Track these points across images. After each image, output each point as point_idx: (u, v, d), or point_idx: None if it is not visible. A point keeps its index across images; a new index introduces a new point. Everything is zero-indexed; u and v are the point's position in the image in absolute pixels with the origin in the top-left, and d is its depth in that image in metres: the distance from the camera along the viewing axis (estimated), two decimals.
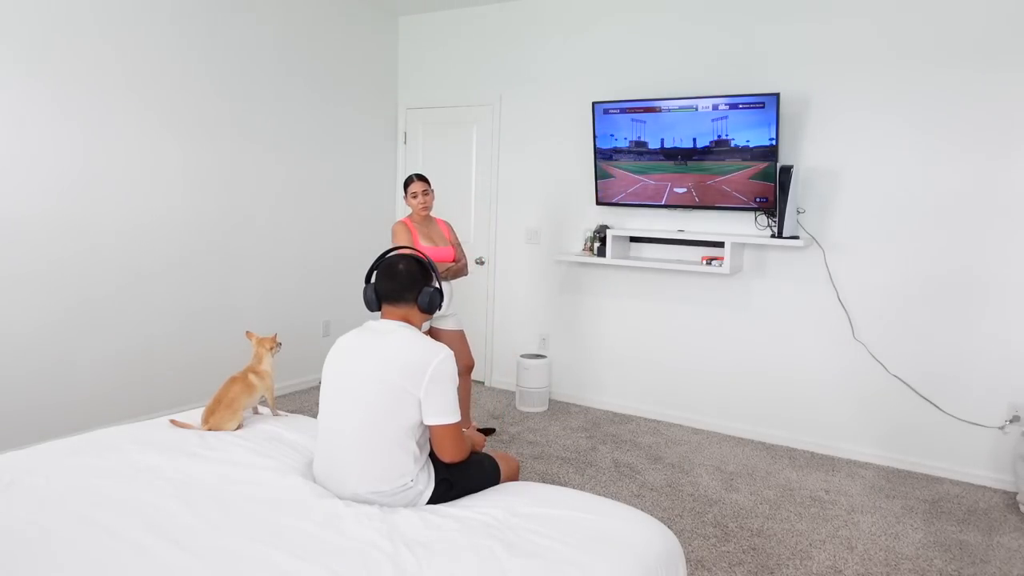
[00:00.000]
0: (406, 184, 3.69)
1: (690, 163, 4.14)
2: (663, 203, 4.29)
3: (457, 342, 3.76)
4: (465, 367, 3.76)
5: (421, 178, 3.69)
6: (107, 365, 3.84)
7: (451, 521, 1.87)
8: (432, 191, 3.72)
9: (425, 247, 3.60)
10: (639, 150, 4.27)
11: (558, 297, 4.91)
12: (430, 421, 2.00)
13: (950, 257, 3.67)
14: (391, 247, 3.52)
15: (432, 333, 3.75)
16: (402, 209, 5.49)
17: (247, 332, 2.74)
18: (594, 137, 4.42)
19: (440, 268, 3.62)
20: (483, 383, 5.30)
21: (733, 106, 3.93)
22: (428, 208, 3.70)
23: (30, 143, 3.43)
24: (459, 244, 3.84)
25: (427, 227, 3.74)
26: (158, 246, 4.03)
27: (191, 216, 4.18)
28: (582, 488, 3.41)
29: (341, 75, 5.04)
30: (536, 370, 4.64)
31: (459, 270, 3.75)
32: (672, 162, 4.19)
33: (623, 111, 4.28)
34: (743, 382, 4.28)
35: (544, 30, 4.81)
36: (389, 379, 1.97)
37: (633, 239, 4.56)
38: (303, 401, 4.71)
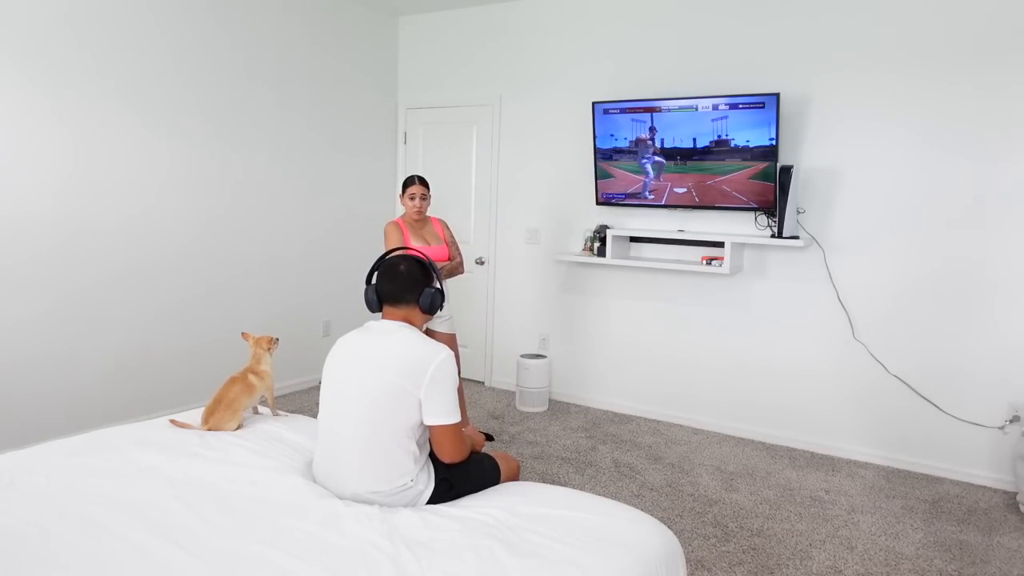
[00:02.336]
0: (405, 184, 3.66)
1: (690, 163, 4.14)
2: (663, 203, 4.29)
3: (448, 345, 3.75)
4: None
5: (422, 182, 3.65)
6: (107, 365, 3.84)
7: (451, 521, 1.87)
8: (429, 195, 3.70)
9: (417, 247, 3.57)
10: (639, 150, 4.27)
11: (558, 297, 4.91)
12: (430, 421, 2.00)
13: (950, 257, 3.67)
14: (387, 248, 3.54)
15: (426, 334, 3.74)
16: (403, 209, 5.49)
17: (243, 333, 2.74)
18: (594, 137, 4.42)
19: None
20: (483, 383, 5.30)
21: (733, 106, 3.93)
22: (422, 212, 3.68)
23: (29, 143, 3.43)
24: (454, 242, 3.81)
25: (420, 227, 3.72)
26: (158, 247, 4.03)
27: (191, 217, 4.18)
28: (582, 488, 3.41)
29: (341, 75, 5.04)
30: (536, 370, 4.64)
31: (453, 269, 3.73)
32: (672, 162, 4.19)
33: (623, 111, 4.28)
34: (743, 382, 4.28)
35: (544, 30, 4.81)
36: (389, 379, 1.97)
37: (633, 239, 4.56)
38: (303, 401, 4.70)
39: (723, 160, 4.03)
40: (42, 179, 3.49)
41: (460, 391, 3.84)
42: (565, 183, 4.80)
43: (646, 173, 4.26)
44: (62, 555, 1.60)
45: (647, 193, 4.32)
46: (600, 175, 4.45)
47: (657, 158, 4.21)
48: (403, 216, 3.71)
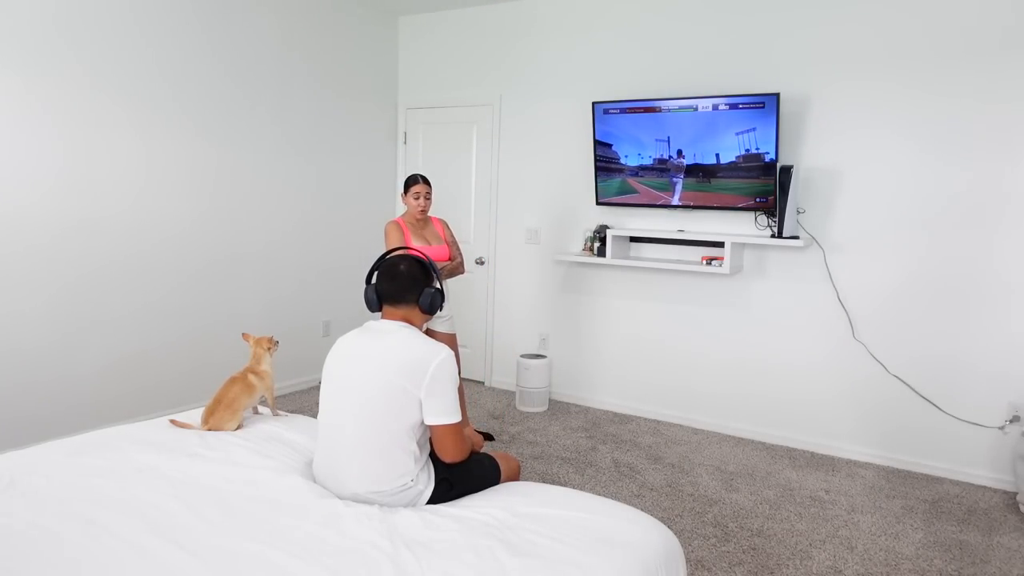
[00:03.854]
0: (409, 183, 3.66)
1: (691, 164, 4.13)
2: (663, 203, 4.28)
3: (448, 345, 3.75)
4: None
5: (426, 181, 3.66)
6: (107, 365, 3.84)
7: (451, 521, 1.87)
8: (432, 194, 3.71)
9: (418, 247, 3.57)
10: (668, 168, 4.27)
11: (558, 297, 4.91)
12: (431, 421, 2.00)
13: (950, 257, 3.67)
14: (388, 248, 3.54)
15: (427, 334, 3.74)
16: (402, 209, 5.49)
17: (243, 334, 2.74)
18: (594, 137, 4.41)
19: None
20: (483, 383, 5.30)
21: (733, 106, 3.93)
22: (425, 212, 3.68)
23: (22, 140, 3.43)
24: (455, 242, 3.81)
25: (421, 226, 3.72)
26: (158, 247, 4.03)
27: (190, 216, 4.18)
28: (582, 488, 3.41)
29: (341, 75, 5.04)
30: (536, 370, 4.64)
31: (454, 269, 3.74)
32: (676, 159, 4.19)
33: (623, 111, 4.28)
34: (743, 382, 4.28)
35: (544, 30, 4.81)
36: (389, 379, 1.97)
37: (633, 239, 4.56)
38: (303, 401, 4.70)
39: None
40: (36, 176, 3.49)
41: (460, 391, 3.84)
42: (565, 183, 4.80)
43: (671, 190, 4.20)
44: (62, 555, 1.60)
45: (647, 193, 4.31)
46: (626, 190, 4.44)
47: (677, 175, 4.21)
48: (404, 215, 3.71)
